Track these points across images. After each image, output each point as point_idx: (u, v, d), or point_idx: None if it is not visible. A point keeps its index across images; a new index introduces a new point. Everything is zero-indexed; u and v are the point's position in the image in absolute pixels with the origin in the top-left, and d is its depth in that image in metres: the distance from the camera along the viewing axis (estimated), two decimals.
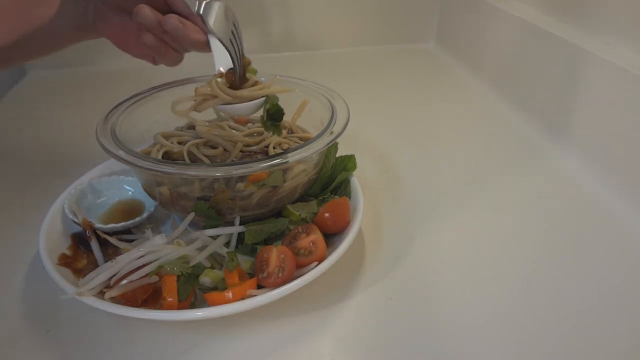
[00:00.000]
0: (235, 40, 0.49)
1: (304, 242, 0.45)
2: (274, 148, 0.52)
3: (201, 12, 0.47)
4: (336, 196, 0.52)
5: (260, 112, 0.50)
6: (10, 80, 0.91)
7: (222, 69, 0.49)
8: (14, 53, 0.50)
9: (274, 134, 0.51)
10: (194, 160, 0.51)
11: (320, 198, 0.52)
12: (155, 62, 0.52)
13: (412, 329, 0.42)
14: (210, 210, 0.47)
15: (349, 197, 0.52)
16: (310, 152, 0.45)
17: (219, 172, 0.44)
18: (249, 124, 0.59)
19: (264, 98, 0.49)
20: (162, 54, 0.49)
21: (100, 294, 0.41)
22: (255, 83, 0.50)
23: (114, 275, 0.41)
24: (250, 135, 0.55)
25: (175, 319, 0.40)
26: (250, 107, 0.49)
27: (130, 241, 0.47)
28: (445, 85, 0.91)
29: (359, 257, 0.50)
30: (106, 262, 0.44)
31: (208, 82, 0.49)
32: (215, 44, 0.48)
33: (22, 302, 0.45)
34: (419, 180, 0.62)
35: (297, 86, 0.58)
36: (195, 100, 0.50)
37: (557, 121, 0.69)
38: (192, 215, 0.47)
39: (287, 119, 0.57)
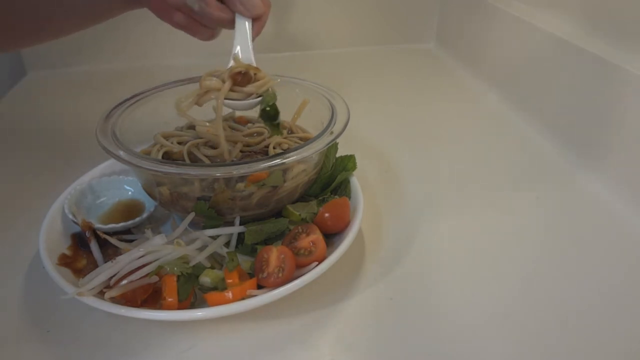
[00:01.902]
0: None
1: (304, 242, 0.45)
2: (274, 148, 0.52)
3: None
4: (336, 196, 0.52)
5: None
6: (10, 80, 0.91)
7: (238, 52, 0.51)
8: (64, 24, 0.53)
9: (272, 133, 0.51)
10: (194, 160, 0.51)
11: (320, 198, 0.52)
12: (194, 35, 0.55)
13: (412, 329, 0.42)
14: (210, 210, 0.47)
15: (349, 197, 0.52)
16: (310, 152, 0.45)
17: (219, 172, 0.44)
18: (249, 124, 0.59)
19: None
20: (194, 30, 0.52)
21: (100, 294, 0.40)
22: (256, 77, 0.50)
23: (114, 276, 0.41)
24: (250, 135, 0.55)
25: (175, 319, 0.40)
26: (252, 103, 0.50)
27: (130, 241, 0.47)
28: (445, 85, 0.91)
29: (359, 257, 0.50)
30: (106, 262, 0.44)
31: (209, 73, 0.50)
32: (239, 25, 0.51)
33: (22, 302, 0.45)
34: (419, 180, 0.62)
35: (297, 86, 0.58)
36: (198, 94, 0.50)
37: (557, 121, 0.69)
38: (192, 215, 0.47)
39: (287, 119, 0.58)
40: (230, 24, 0.51)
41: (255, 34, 0.52)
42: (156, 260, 0.42)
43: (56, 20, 0.52)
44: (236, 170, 0.43)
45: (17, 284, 0.46)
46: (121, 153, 0.45)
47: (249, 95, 0.49)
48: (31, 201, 0.56)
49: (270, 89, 0.50)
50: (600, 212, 0.56)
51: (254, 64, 0.51)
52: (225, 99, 0.49)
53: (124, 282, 0.41)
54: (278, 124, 0.51)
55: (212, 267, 0.44)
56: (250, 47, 0.52)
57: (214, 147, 0.52)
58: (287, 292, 0.40)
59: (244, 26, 0.51)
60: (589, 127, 0.63)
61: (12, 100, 0.86)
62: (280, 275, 0.41)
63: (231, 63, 0.52)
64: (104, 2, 0.53)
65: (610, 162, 0.59)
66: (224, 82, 0.49)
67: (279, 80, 0.53)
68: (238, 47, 0.51)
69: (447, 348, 0.40)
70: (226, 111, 0.60)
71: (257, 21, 0.52)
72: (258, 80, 0.50)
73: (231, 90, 0.49)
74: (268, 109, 0.49)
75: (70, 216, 0.49)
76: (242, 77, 0.49)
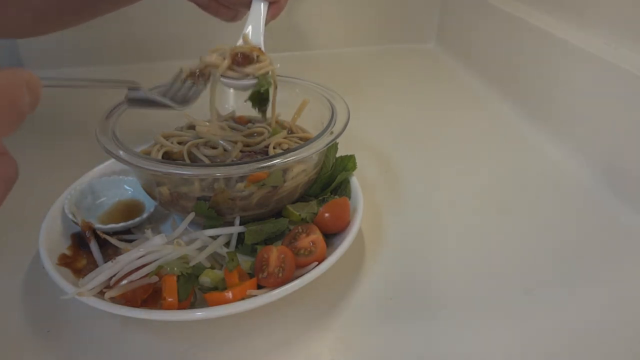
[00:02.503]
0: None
1: (304, 242, 0.45)
2: (274, 148, 0.52)
3: None
4: (336, 196, 0.52)
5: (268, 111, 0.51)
6: None
7: (249, 32, 0.51)
8: (101, 4, 0.56)
9: (261, 117, 0.51)
10: (194, 160, 0.51)
11: (320, 198, 0.52)
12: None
13: (412, 329, 0.42)
14: (210, 210, 0.47)
15: (349, 197, 0.52)
16: (310, 152, 0.45)
17: (219, 172, 0.44)
18: (249, 124, 0.59)
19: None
20: (215, 10, 0.54)
21: (100, 294, 0.40)
22: (259, 59, 0.50)
23: (114, 276, 0.41)
24: (250, 135, 0.55)
25: (175, 319, 0.40)
26: (248, 84, 0.49)
27: (130, 241, 0.47)
28: (445, 85, 0.91)
29: (359, 257, 0.50)
30: (106, 262, 0.44)
31: (212, 49, 0.50)
32: (255, 6, 0.51)
33: (22, 302, 0.45)
34: (419, 180, 0.62)
35: (297, 86, 0.58)
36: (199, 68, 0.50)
37: (557, 120, 0.69)
38: (192, 215, 0.47)
39: (287, 119, 0.58)
40: (247, 5, 0.51)
41: (271, 17, 0.52)
42: (156, 260, 0.42)
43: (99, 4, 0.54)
44: (236, 170, 0.43)
45: (17, 284, 0.46)
46: (121, 153, 0.45)
47: (246, 76, 0.49)
48: (31, 201, 0.56)
49: (270, 72, 0.50)
50: (600, 211, 0.56)
51: (262, 47, 0.51)
52: (223, 76, 0.49)
53: (124, 282, 0.41)
54: (265, 111, 0.50)
55: (212, 267, 0.44)
56: (262, 29, 0.51)
57: (214, 147, 0.52)
58: (287, 292, 0.40)
59: (259, 8, 0.51)
60: (592, 128, 0.63)
61: None
62: (280, 275, 0.41)
63: (240, 42, 0.51)
64: None
65: (611, 163, 0.59)
66: (224, 59, 0.49)
67: (278, 65, 0.53)
68: (250, 27, 0.51)
69: (447, 348, 0.40)
70: (227, 110, 0.60)
71: (275, 4, 0.52)
72: (260, 62, 0.50)
73: (231, 69, 0.49)
74: (260, 92, 0.49)
75: (70, 216, 0.49)
76: (243, 58, 0.49)
